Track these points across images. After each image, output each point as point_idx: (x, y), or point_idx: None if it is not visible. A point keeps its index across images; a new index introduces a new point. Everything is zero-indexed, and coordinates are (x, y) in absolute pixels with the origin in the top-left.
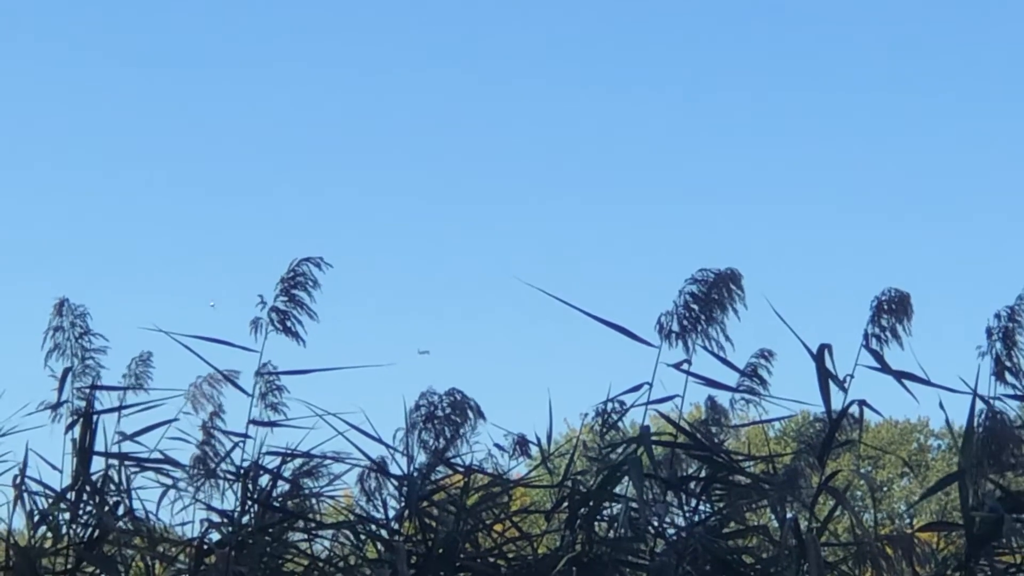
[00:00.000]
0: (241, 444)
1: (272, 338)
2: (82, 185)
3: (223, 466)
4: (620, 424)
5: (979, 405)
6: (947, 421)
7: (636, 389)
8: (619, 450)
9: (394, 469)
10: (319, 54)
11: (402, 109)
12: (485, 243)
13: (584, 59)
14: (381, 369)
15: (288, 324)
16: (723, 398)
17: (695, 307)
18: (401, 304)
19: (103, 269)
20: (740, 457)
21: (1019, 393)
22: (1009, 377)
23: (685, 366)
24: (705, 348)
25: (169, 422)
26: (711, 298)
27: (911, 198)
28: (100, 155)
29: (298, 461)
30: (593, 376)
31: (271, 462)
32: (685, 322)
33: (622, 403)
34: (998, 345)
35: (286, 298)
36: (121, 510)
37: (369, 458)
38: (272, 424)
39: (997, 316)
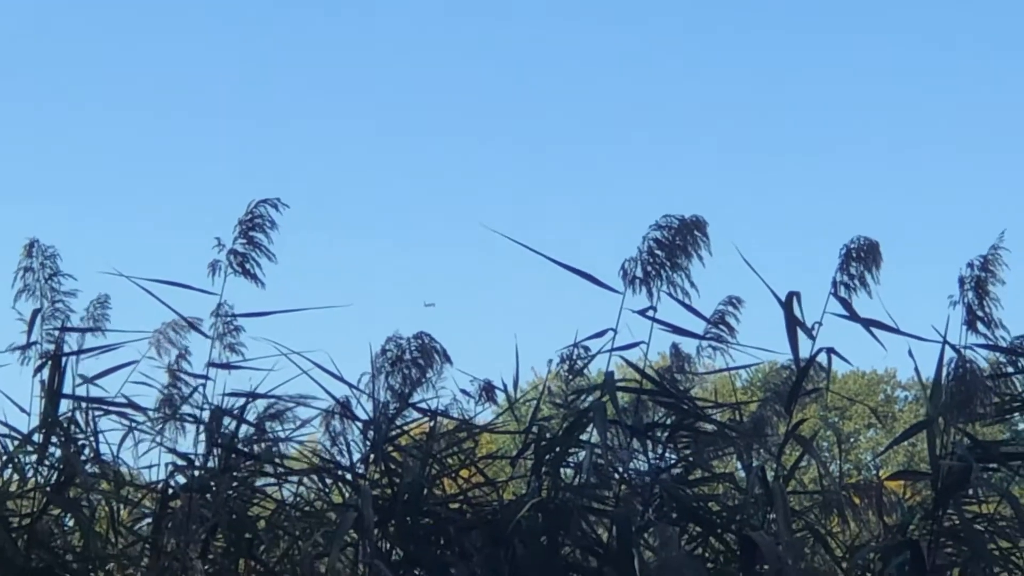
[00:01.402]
0: (202, 387)
1: (233, 281)
2: (40, 119)
3: (185, 408)
4: (586, 371)
5: (949, 354)
6: (916, 369)
7: (600, 335)
8: (586, 397)
9: (360, 413)
10: None
11: (367, 42)
12: (450, 187)
13: (552, 6)
14: (343, 314)
15: (247, 266)
16: (689, 345)
17: (659, 253)
18: (363, 248)
19: (66, 208)
20: (706, 405)
21: (990, 343)
22: (981, 327)
23: (651, 313)
24: (670, 295)
25: (131, 364)
26: (675, 244)
27: (882, 146)
28: (67, 90)
29: (262, 403)
30: (560, 323)
31: (234, 404)
32: (649, 268)
33: (587, 349)
34: (970, 294)
35: (244, 240)
36: (87, 453)
37: (335, 399)
38: (230, 366)
39: (970, 265)
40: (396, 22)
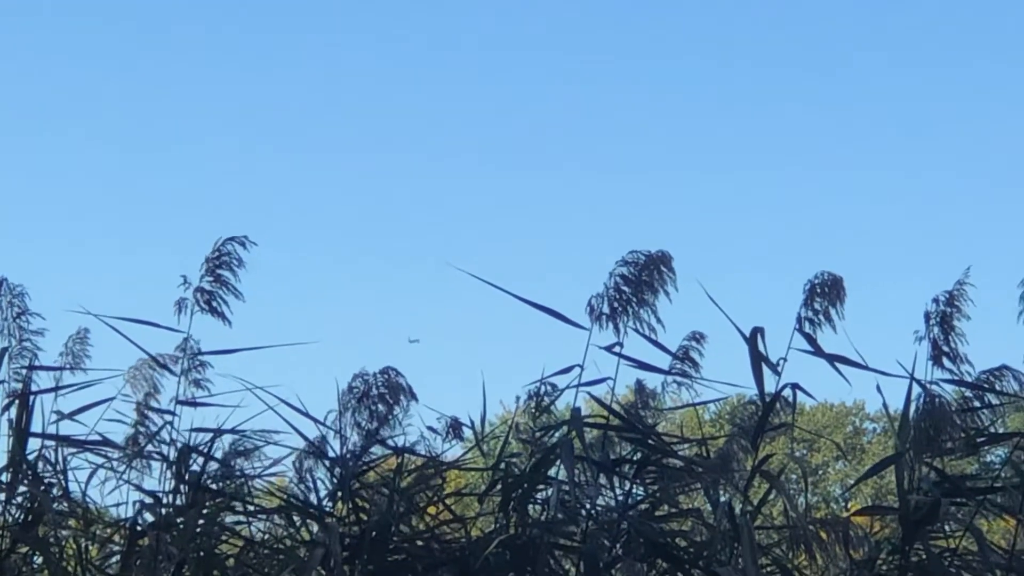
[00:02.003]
0: (170, 423)
1: (199, 318)
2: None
3: (152, 446)
4: (553, 407)
5: (916, 389)
6: (884, 404)
7: (566, 371)
8: (553, 433)
9: (327, 450)
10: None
11: (332, 86)
12: (416, 225)
13: (511, 39)
14: (309, 351)
15: (214, 304)
16: (655, 380)
17: (626, 289)
18: (330, 286)
19: (35, 248)
20: (673, 440)
21: (956, 378)
22: (947, 362)
23: (617, 348)
24: (636, 331)
25: (107, 400)
26: (642, 280)
27: (845, 181)
28: (35, 127)
29: (228, 439)
30: (528, 360)
31: (201, 440)
32: (616, 304)
33: (554, 385)
34: (936, 330)
35: (211, 278)
36: (56, 491)
37: (302, 435)
38: (196, 403)
39: (935, 301)
40: (365, 62)
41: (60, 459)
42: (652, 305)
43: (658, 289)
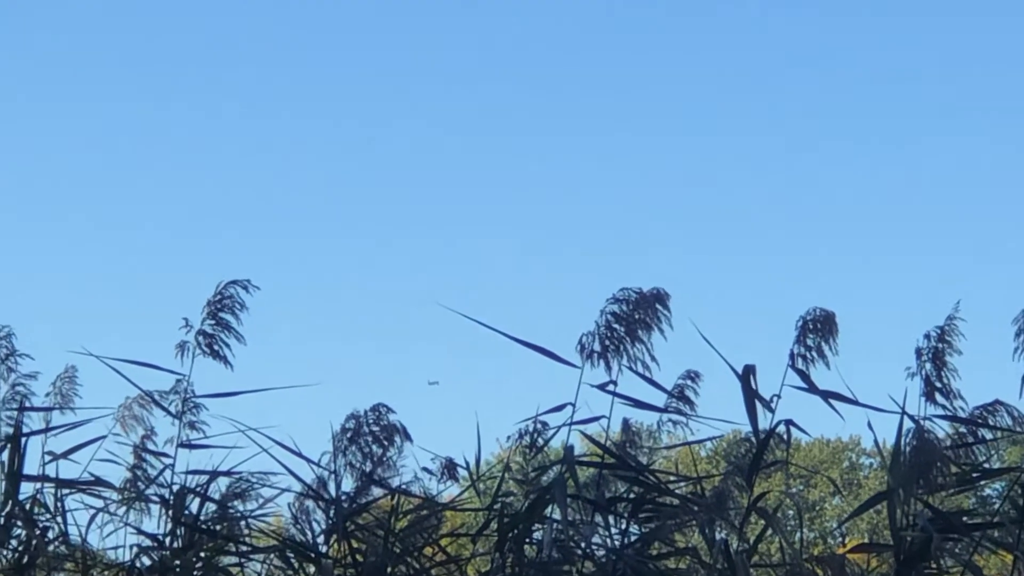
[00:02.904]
0: (170, 466)
1: (201, 361)
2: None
3: (151, 489)
4: (548, 446)
5: (908, 424)
6: (875, 440)
7: (559, 409)
8: (548, 472)
9: (322, 491)
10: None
11: (325, 132)
12: (410, 267)
13: (505, 79)
14: (305, 394)
15: (215, 347)
16: (650, 418)
17: (617, 327)
18: (324, 329)
19: (32, 289)
20: (667, 478)
21: (949, 413)
22: (939, 398)
23: (610, 387)
24: (630, 368)
25: (99, 439)
26: (634, 318)
27: (837, 218)
28: (28, 166)
29: (225, 481)
30: (523, 399)
31: (199, 482)
32: (607, 342)
33: (545, 424)
34: (928, 366)
35: (213, 321)
36: (52, 533)
37: (300, 479)
38: (192, 446)
39: (927, 336)
40: (361, 99)
41: (56, 501)
42: (646, 343)
43: (652, 327)
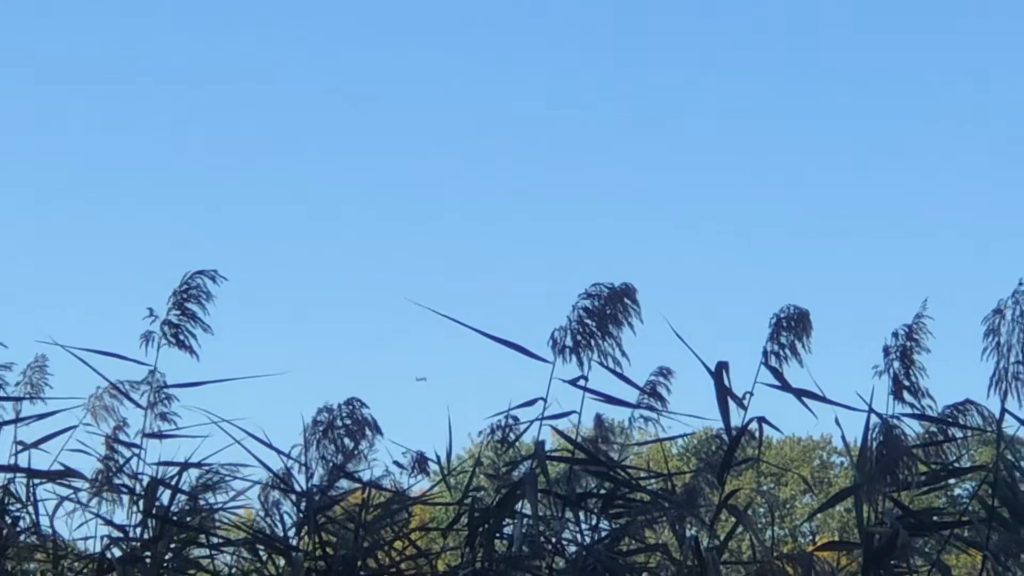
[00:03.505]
0: (139, 456)
1: (167, 351)
2: None
3: (122, 479)
4: (519, 441)
5: (875, 421)
6: (842, 437)
7: (529, 404)
8: (520, 467)
9: (294, 483)
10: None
11: (299, 120)
12: (385, 259)
13: (477, 73)
14: (275, 385)
15: (181, 338)
16: (619, 414)
17: (589, 322)
18: (294, 321)
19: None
20: (639, 473)
21: (917, 412)
22: (907, 396)
23: (581, 382)
24: (601, 364)
25: (69, 429)
26: (605, 313)
27: (809, 215)
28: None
29: (196, 472)
30: (495, 394)
31: (169, 473)
32: (579, 337)
33: (516, 419)
34: (896, 364)
35: (179, 311)
36: (23, 524)
37: (271, 471)
38: (162, 436)
39: (895, 334)
40: (331, 95)
41: (28, 491)
42: (616, 338)
43: (622, 322)
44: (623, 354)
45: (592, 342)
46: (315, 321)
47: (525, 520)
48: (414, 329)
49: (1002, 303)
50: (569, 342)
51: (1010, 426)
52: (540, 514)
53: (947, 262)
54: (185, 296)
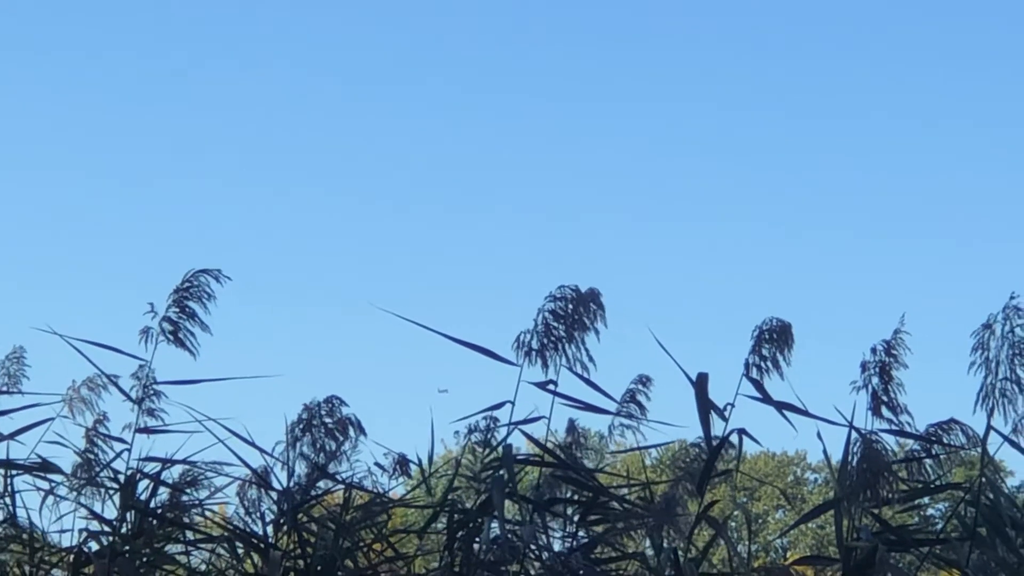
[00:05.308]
0: (126, 450)
1: (164, 348)
2: None
3: (105, 473)
4: (498, 445)
5: (855, 437)
6: (824, 452)
7: (497, 408)
8: (497, 471)
9: (273, 482)
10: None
11: (291, 126)
12: (356, 266)
13: (448, 75)
14: (263, 387)
15: (180, 335)
16: (599, 423)
17: (555, 325)
18: (288, 323)
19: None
20: (614, 480)
21: (895, 428)
22: (885, 412)
23: (551, 386)
24: (569, 369)
25: (47, 421)
26: (572, 316)
27: (790, 227)
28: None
29: (179, 468)
30: (465, 398)
31: (152, 469)
32: (545, 340)
33: (496, 420)
34: (874, 380)
35: (178, 309)
36: (0, 515)
37: (251, 468)
38: (149, 431)
39: (873, 350)
40: (323, 101)
41: (5, 482)
42: (582, 342)
43: (588, 326)
44: (590, 359)
45: (559, 346)
46: (313, 322)
47: (492, 525)
48: (392, 334)
49: (992, 318)
50: (535, 344)
51: (995, 443)
52: (511, 519)
53: (933, 275)
54: (186, 294)
